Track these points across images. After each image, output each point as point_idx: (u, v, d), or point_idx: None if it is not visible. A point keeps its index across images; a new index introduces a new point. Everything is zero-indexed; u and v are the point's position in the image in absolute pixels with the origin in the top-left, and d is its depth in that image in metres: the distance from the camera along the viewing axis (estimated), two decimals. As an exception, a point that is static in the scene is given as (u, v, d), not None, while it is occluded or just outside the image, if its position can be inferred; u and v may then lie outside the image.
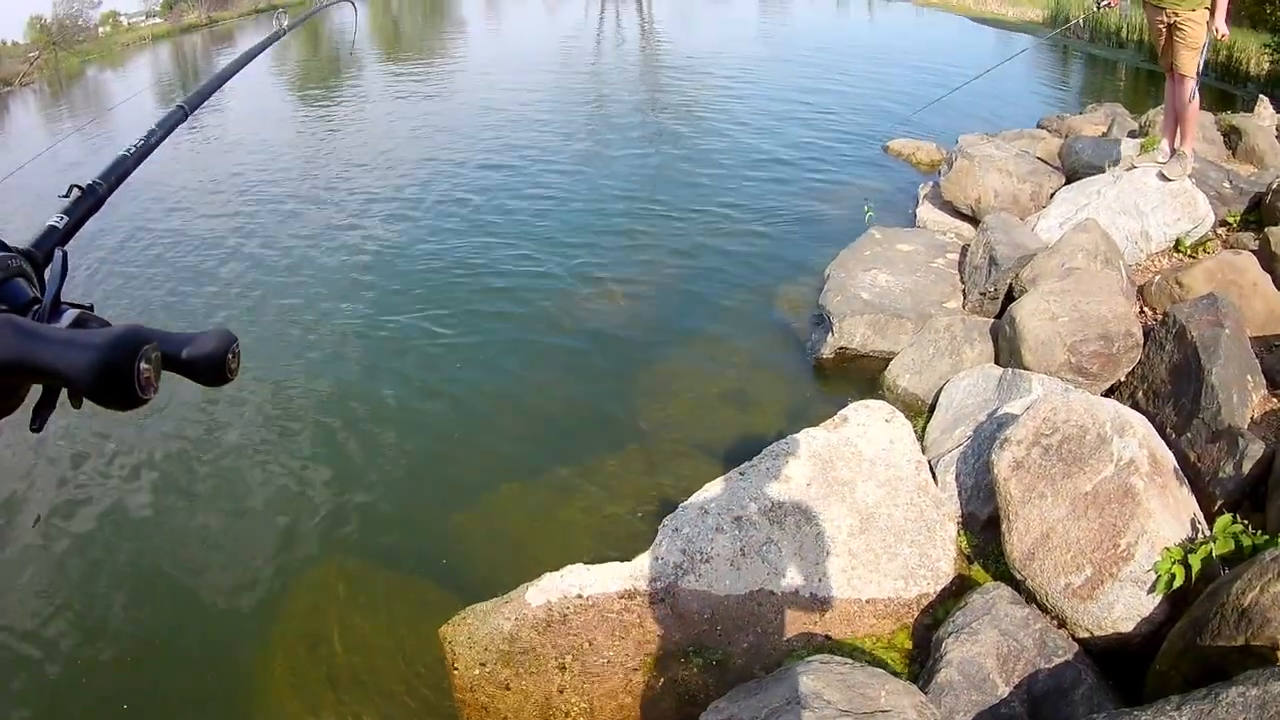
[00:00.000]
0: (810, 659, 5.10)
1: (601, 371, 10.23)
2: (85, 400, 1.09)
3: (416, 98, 27.79)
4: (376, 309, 12.31)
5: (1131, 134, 13.46)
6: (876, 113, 20.27)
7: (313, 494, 8.57)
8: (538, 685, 5.77)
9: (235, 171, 20.62)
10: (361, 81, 34.13)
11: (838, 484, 6.45)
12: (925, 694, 4.83)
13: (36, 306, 1.13)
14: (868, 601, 5.96)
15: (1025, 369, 7.73)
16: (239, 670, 6.69)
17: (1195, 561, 5.07)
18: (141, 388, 1.01)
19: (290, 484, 8.75)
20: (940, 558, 6.18)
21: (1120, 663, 5.23)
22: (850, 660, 5.14)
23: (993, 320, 9.15)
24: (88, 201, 1.38)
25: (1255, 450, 5.95)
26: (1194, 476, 6.13)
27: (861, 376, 9.40)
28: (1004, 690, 4.92)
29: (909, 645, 5.83)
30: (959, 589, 6.02)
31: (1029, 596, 5.58)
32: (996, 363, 8.40)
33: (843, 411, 7.17)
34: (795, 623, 5.89)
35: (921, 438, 7.56)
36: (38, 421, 1.12)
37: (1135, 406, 6.94)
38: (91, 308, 1.20)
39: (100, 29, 68.59)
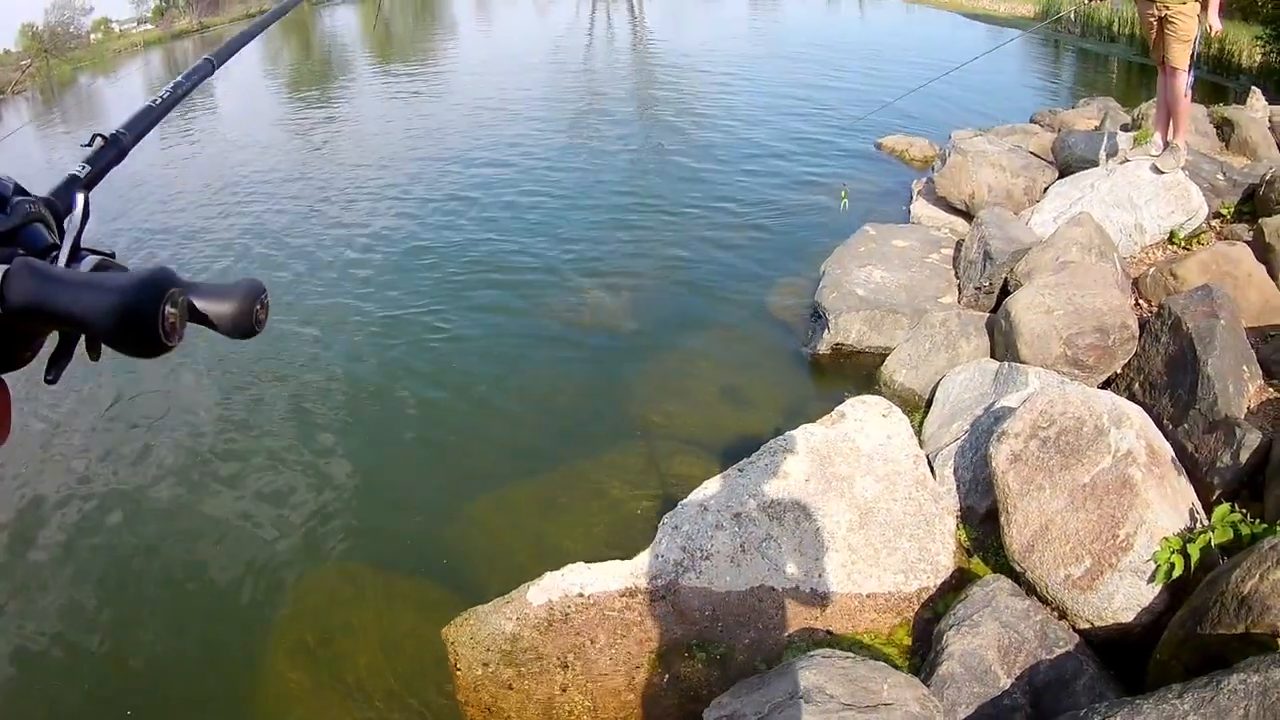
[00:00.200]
0: (812, 653, 5.12)
1: (598, 370, 10.25)
2: (105, 349, 1.07)
3: (410, 99, 27.83)
4: (372, 310, 12.33)
5: (1124, 127, 13.47)
6: (868, 110, 20.28)
7: (312, 496, 8.57)
8: (540, 685, 5.77)
9: (234, 174, 20.68)
10: (355, 83, 34.24)
11: (836, 479, 6.46)
12: (927, 686, 4.84)
13: (55, 252, 1.11)
14: (868, 596, 5.97)
15: (1021, 362, 7.74)
16: (240, 673, 6.69)
17: (1194, 551, 5.08)
18: (166, 334, 0.97)
19: (289, 486, 8.75)
20: (940, 551, 6.19)
21: (1121, 653, 5.24)
22: (852, 654, 5.16)
23: (988, 314, 9.15)
24: (111, 151, 1.36)
25: (1252, 440, 5.96)
26: (1191, 466, 6.14)
27: (858, 372, 9.41)
28: (1006, 682, 4.93)
29: (910, 639, 5.85)
30: (959, 582, 6.03)
31: (1029, 588, 5.60)
32: (993, 357, 8.41)
33: (840, 407, 7.18)
34: (796, 618, 5.90)
35: (919, 432, 7.58)
36: (53, 372, 1.11)
37: (1132, 398, 6.96)
38: (113, 255, 1.18)
39: (92, 36, 68.67)
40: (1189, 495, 5.77)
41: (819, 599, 5.93)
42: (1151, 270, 9.22)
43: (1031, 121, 16.85)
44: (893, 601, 5.99)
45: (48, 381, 1.11)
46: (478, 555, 7.50)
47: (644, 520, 7.31)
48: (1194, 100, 10.79)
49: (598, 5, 51.13)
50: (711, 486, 6.60)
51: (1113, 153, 11.59)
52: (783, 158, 17.63)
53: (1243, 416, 6.37)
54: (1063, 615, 5.44)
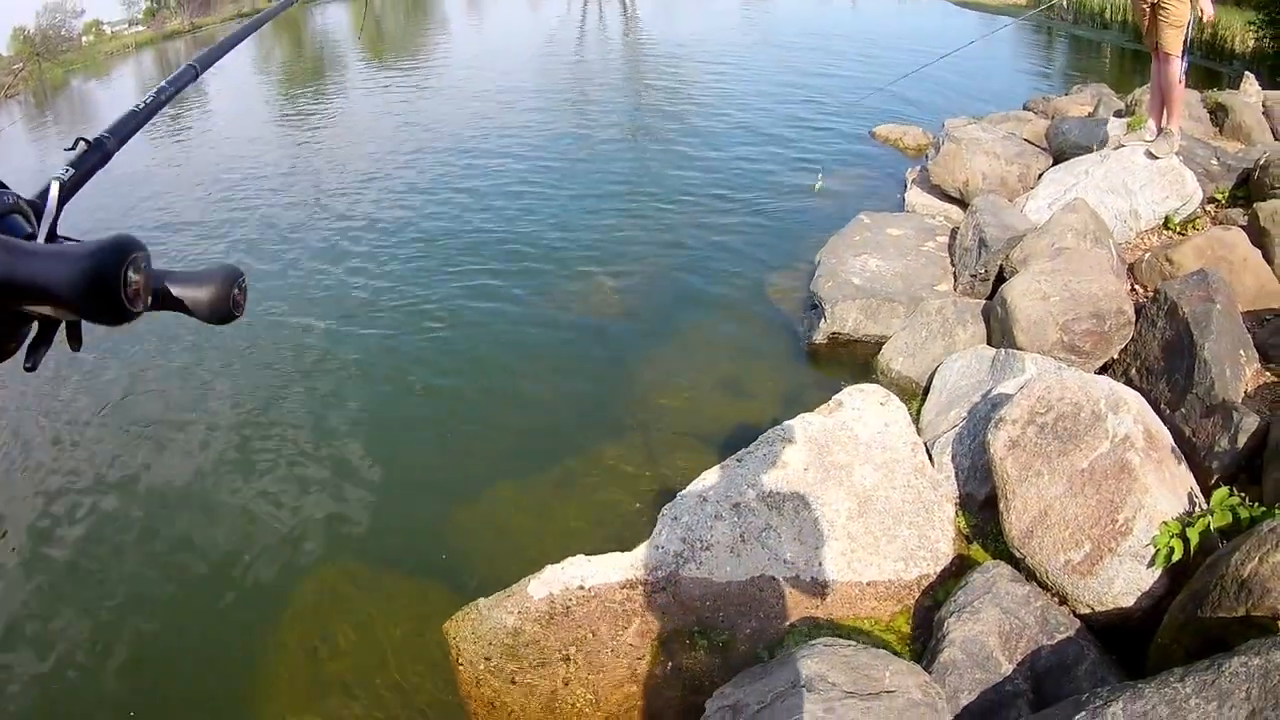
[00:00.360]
0: (813, 642, 5.12)
1: (595, 362, 10.26)
2: (86, 340, 1.11)
3: (404, 94, 27.82)
4: (367, 303, 12.36)
5: (1118, 114, 13.48)
6: (862, 99, 20.27)
7: (310, 493, 8.57)
8: (543, 678, 5.78)
9: (230, 171, 20.67)
10: (348, 79, 34.24)
11: (835, 468, 6.48)
12: (929, 673, 4.85)
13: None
14: (869, 584, 5.98)
15: (1018, 349, 7.75)
16: (241, 669, 6.70)
17: (1193, 535, 5.09)
18: (129, 299, 0.97)
19: (287, 484, 8.75)
20: (939, 538, 6.20)
21: (1122, 637, 5.25)
22: (853, 642, 5.16)
23: (984, 302, 9.16)
24: (95, 155, 1.36)
25: (1250, 423, 5.96)
26: (1189, 451, 6.15)
27: (855, 361, 9.42)
28: (1007, 668, 4.94)
29: (911, 626, 5.85)
30: (959, 569, 6.04)
31: (1029, 574, 5.61)
32: (989, 344, 8.42)
33: (837, 396, 7.20)
34: (797, 607, 5.91)
35: (917, 420, 7.60)
36: (32, 359, 1.11)
37: (1129, 383, 6.97)
38: None
39: (84, 38, 68.56)
40: (1187, 479, 5.78)
41: (819, 588, 5.94)
42: (1147, 256, 9.22)
43: (1025, 109, 16.85)
44: (893, 589, 5.99)
45: (26, 368, 1.12)
46: (477, 550, 7.50)
47: (643, 512, 7.33)
48: (1187, 86, 10.78)
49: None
50: (710, 477, 6.62)
51: (1106, 139, 11.60)
52: (777, 147, 17.63)
53: (1240, 400, 6.38)
54: (1063, 600, 5.45)
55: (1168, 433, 6.02)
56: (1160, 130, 10.35)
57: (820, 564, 6.00)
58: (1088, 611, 5.35)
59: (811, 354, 9.81)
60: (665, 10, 45.80)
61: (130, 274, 0.96)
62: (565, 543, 6.80)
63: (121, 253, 0.96)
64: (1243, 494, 5.34)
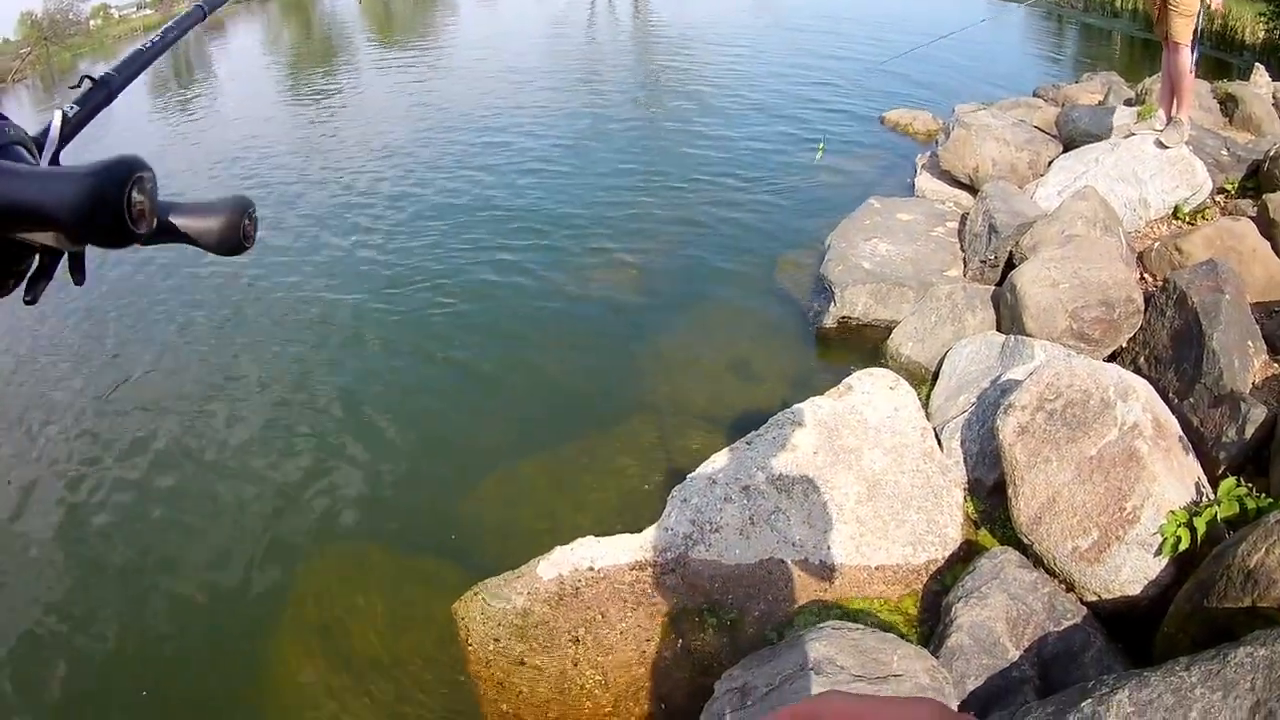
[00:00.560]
0: (822, 625, 5.16)
1: (606, 344, 10.27)
2: (84, 260, 1.09)
3: (413, 77, 27.72)
4: (380, 286, 12.33)
5: (1128, 102, 13.47)
6: (872, 84, 20.24)
7: (320, 474, 8.59)
8: (552, 659, 5.81)
9: (239, 150, 20.65)
10: (356, 63, 34.13)
11: (844, 452, 6.50)
12: (936, 658, 4.88)
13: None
14: (877, 568, 6.01)
15: (1027, 335, 7.76)
16: (251, 653, 6.71)
17: (1200, 524, 5.11)
18: (134, 219, 0.93)
19: (295, 464, 8.77)
20: (948, 524, 6.23)
21: (1128, 625, 5.27)
22: (861, 626, 5.20)
23: (994, 288, 9.16)
24: (100, 93, 1.34)
25: (1257, 415, 5.98)
26: (1197, 441, 6.17)
27: (864, 345, 9.42)
28: (1014, 654, 4.97)
29: (919, 610, 5.87)
30: (967, 554, 6.07)
31: (1037, 560, 5.63)
32: (998, 330, 8.43)
33: (847, 380, 7.22)
34: (806, 590, 5.94)
35: (926, 405, 7.59)
36: (31, 292, 1.08)
37: (1137, 372, 6.98)
38: None
39: (91, 22, 68.49)
40: (1195, 469, 5.80)
41: (828, 571, 5.97)
42: (1156, 245, 9.22)
43: (1035, 96, 16.79)
44: (901, 573, 6.02)
45: (26, 302, 1.09)
46: (487, 531, 7.52)
47: (653, 494, 7.34)
48: (1197, 76, 10.79)
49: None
50: (720, 460, 6.65)
51: (1116, 127, 11.60)
52: (788, 130, 17.59)
53: (1248, 391, 6.40)
54: (1070, 587, 5.48)
55: (1176, 422, 6.04)
56: (1170, 120, 10.34)
57: (829, 547, 6.03)
58: (1094, 599, 5.38)
59: (821, 337, 9.81)
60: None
61: (135, 194, 0.93)
62: (574, 524, 6.84)
63: (126, 170, 0.93)
64: (1250, 485, 5.37)
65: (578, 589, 5.95)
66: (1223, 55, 21.74)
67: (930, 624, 5.66)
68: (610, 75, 24.74)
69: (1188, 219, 9.94)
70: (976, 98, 16.03)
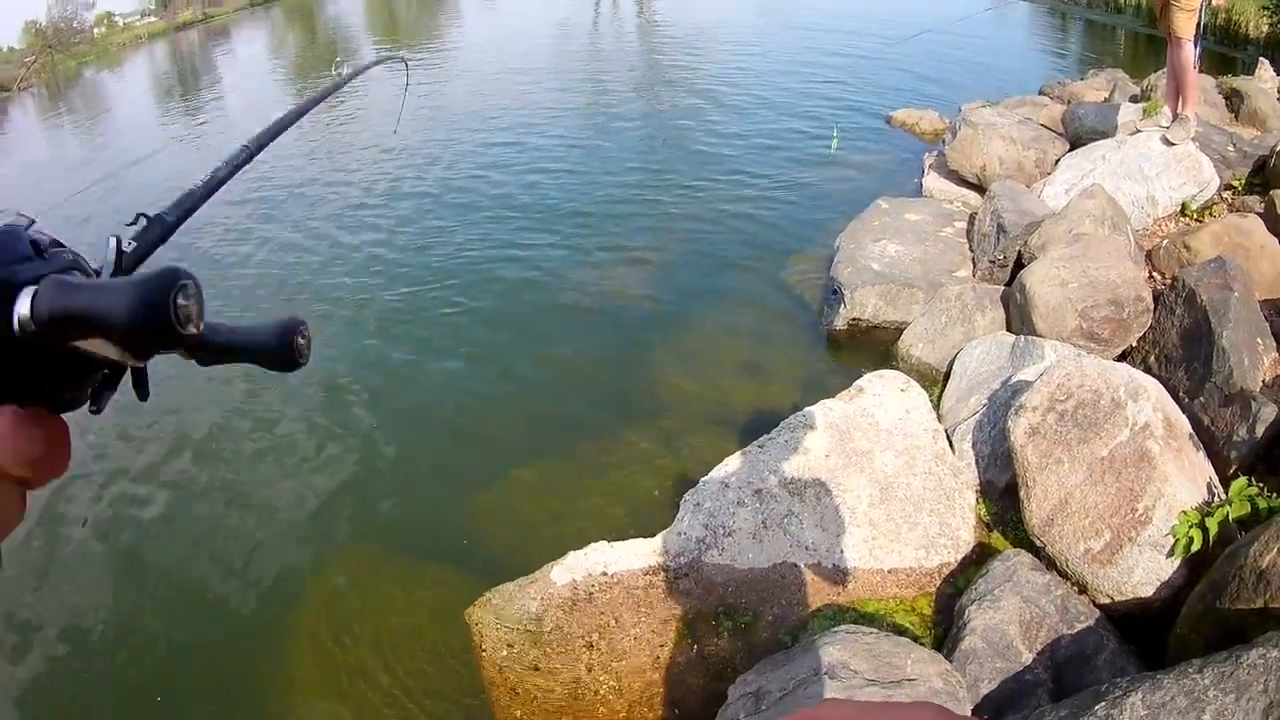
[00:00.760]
0: (835, 629, 5.17)
1: (616, 346, 10.30)
2: (146, 376, 1.15)
3: (420, 80, 27.70)
4: (388, 288, 12.37)
5: (1133, 99, 13.46)
6: (878, 82, 20.25)
7: (330, 479, 8.61)
8: (566, 665, 5.82)
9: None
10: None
11: (856, 455, 6.52)
12: (949, 661, 4.89)
13: None
14: (890, 571, 6.02)
15: (1037, 336, 7.77)
16: (264, 656, 6.75)
17: (1212, 525, 5.11)
18: (180, 321, 1.00)
19: (308, 470, 8.78)
20: (960, 526, 6.24)
21: (1141, 627, 5.27)
22: (875, 629, 5.21)
23: (1003, 288, 9.17)
24: (155, 230, 1.38)
25: (1268, 414, 5.98)
26: (1208, 440, 6.15)
27: (875, 347, 9.41)
28: (1027, 657, 4.98)
29: (932, 613, 5.89)
30: (980, 557, 6.07)
31: (1049, 563, 5.64)
32: (1008, 330, 8.43)
33: (858, 382, 7.24)
34: (819, 594, 5.95)
35: (937, 406, 7.60)
36: (98, 404, 1.13)
37: (1148, 371, 6.97)
38: None
39: (96, 30, 68.51)
40: (1206, 469, 5.80)
41: (841, 574, 5.98)
42: (1164, 242, 9.22)
43: (1040, 93, 16.76)
44: (914, 576, 6.03)
45: (91, 411, 1.14)
46: (499, 536, 7.53)
47: (665, 498, 7.34)
48: (1202, 71, 10.79)
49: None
50: (732, 463, 6.66)
51: (1122, 125, 11.61)
52: (794, 132, 17.54)
53: (1258, 390, 6.39)
54: (1083, 589, 5.48)
55: (1186, 421, 6.04)
56: (1176, 116, 10.35)
57: (842, 551, 6.04)
58: (1107, 601, 5.39)
59: (831, 339, 9.81)
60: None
61: (179, 299, 0.99)
62: (587, 528, 6.86)
63: (172, 277, 1.00)
64: (1261, 484, 5.36)
65: (591, 594, 5.96)
66: (1227, 50, 21.65)
67: (943, 627, 5.66)
68: (617, 75, 24.77)
69: (1195, 216, 9.94)
70: (982, 96, 15.99)
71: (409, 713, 6.08)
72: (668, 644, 5.82)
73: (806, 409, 6.94)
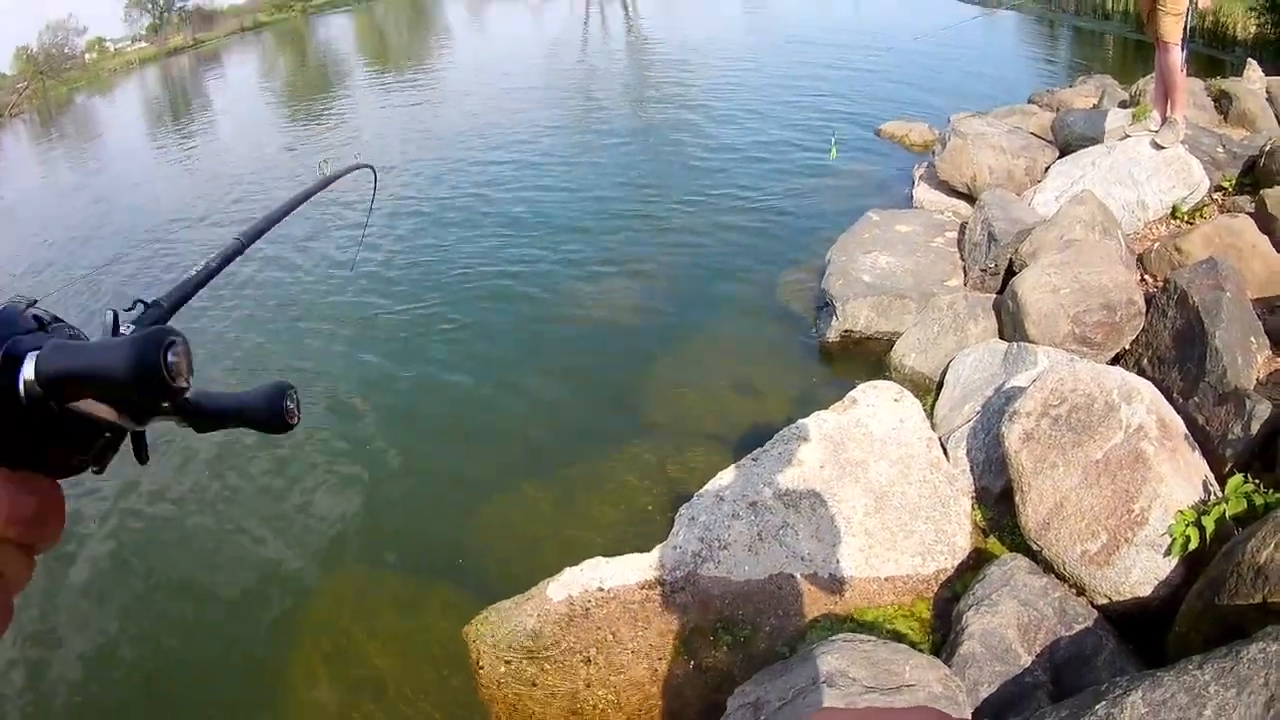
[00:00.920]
0: (833, 638, 5.16)
1: (609, 363, 10.32)
2: (145, 441, 1.21)
3: (412, 102, 27.91)
4: (381, 306, 12.47)
5: (1122, 104, 13.50)
6: (868, 95, 20.31)
7: (327, 497, 8.64)
8: (564, 680, 5.81)
9: (240, 173, 20.98)
10: (353, 88, 34.26)
11: (850, 465, 6.51)
12: (949, 667, 4.88)
13: None
14: (886, 579, 6.01)
15: (1030, 342, 7.76)
16: (262, 676, 6.77)
17: (1209, 523, 5.11)
18: (171, 375, 1.06)
19: (303, 489, 8.81)
20: (956, 532, 6.23)
21: (1140, 627, 5.26)
22: (873, 637, 5.20)
23: (995, 296, 9.16)
24: (153, 314, 1.43)
25: (1263, 411, 5.97)
26: (1203, 439, 6.15)
27: (867, 358, 9.42)
28: (1026, 660, 4.96)
29: (930, 620, 5.87)
30: (976, 562, 6.06)
31: (1046, 566, 5.63)
32: (1001, 337, 8.44)
33: (851, 393, 7.24)
34: (816, 604, 5.94)
35: (931, 415, 7.60)
36: (100, 464, 1.18)
37: (1141, 373, 6.97)
38: None
39: (87, 55, 68.78)
40: (1202, 468, 5.79)
41: (838, 584, 5.97)
42: (1156, 245, 9.22)
43: (1029, 102, 16.76)
44: (911, 584, 6.02)
45: (94, 472, 1.18)
46: (495, 553, 7.53)
47: (661, 513, 7.35)
48: (1190, 74, 10.80)
49: (591, 2, 50.97)
50: (726, 477, 6.66)
51: (1111, 130, 11.62)
52: (783, 146, 17.62)
53: (1252, 387, 6.39)
54: (1081, 591, 5.47)
55: (1181, 421, 6.03)
56: (1165, 120, 10.36)
57: (838, 560, 6.03)
58: (1105, 602, 5.37)
59: (824, 351, 9.81)
60: (666, 13, 45.73)
61: (169, 355, 1.06)
62: (583, 544, 6.86)
63: (162, 335, 1.07)
64: (1257, 481, 5.35)
65: (588, 609, 5.95)
66: (1215, 52, 21.69)
67: (942, 632, 5.65)
68: (608, 97, 24.90)
69: (1186, 218, 9.94)
70: (971, 106, 15.98)
71: (409, 730, 6.08)
72: (665, 657, 5.81)
73: (800, 421, 6.94)
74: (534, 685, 5.82)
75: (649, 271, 12.44)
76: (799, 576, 6.01)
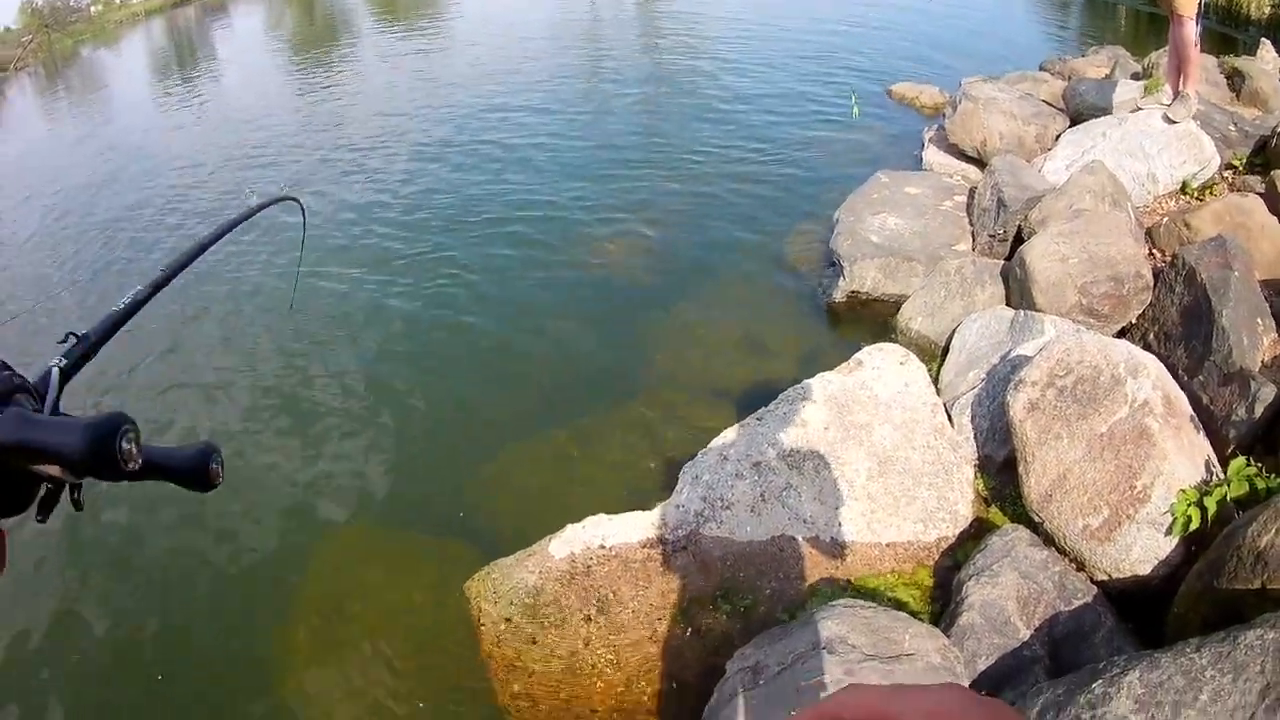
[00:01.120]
0: (834, 604, 5.18)
1: (615, 321, 10.27)
2: (81, 492, 1.31)
3: (420, 57, 27.66)
4: (390, 264, 12.39)
5: (1135, 76, 13.42)
6: (879, 57, 20.20)
7: (328, 452, 8.64)
8: (564, 638, 5.83)
9: (249, 131, 20.87)
10: (360, 44, 34.02)
11: (854, 428, 6.52)
12: (948, 637, 4.90)
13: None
14: (888, 545, 6.03)
15: (1037, 310, 7.75)
16: (263, 630, 6.79)
17: (1210, 504, 5.12)
18: (123, 459, 1.17)
19: (307, 443, 8.81)
20: (958, 500, 6.25)
21: (1139, 605, 5.28)
22: (873, 604, 5.22)
23: (1003, 262, 9.13)
24: (82, 347, 1.57)
25: (1267, 393, 5.96)
26: (1206, 419, 6.14)
27: (874, 320, 9.40)
28: (1025, 633, 4.99)
29: (930, 587, 5.88)
30: (978, 531, 6.08)
31: (1047, 538, 5.65)
32: (1008, 304, 8.41)
33: (857, 355, 7.24)
34: (817, 567, 5.95)
35: (936, 380, 7.60)
36: (43, 514, 1.29)
37: (1147, 348, 6.94)
38: None
39: (92, 8, 68.32)
40: (1205, 447, 5.79)
41: (839, 548, 5.99)
42: (1165, 220, 9.21)
43: (1041, 69, 16.65)
44: (912, 550, 6.04)
45: (38, 520, 1.29)
46: (496, 508, 7.53)
47: (663, 471, 7.36)
48: (1203, 51, 10.76)
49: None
50: (730, 436, 6.68)
51: (1123, 102, 11.59)
52: (796, 97, 17.59)
53: (1257, 369, 6.37)
54: (1081, 566, 5.49)
55: (1186, 399, 6.03)
56: (1177, 94, 10.32)
57: (840, 524, 6.05)
58: (1105, 578, 5.40)
59: (830, 312, 9.79)
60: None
61: (123, 443, 1.17)
62: (585, 502, 6.83)
63: (117, 423, 1.18)
64: (1259, 464, 5.36)
65: (589, 567, 5.97)
66: (1229, 30, 21.56)
67: (941, 601, 5.67)
68: (617, 54, 24.59)
69: (1196, 194, 9.92)
70: (983, 71, 15.86)
71: (408, 685, 6.09)
72: (666, 617, 5.83)
73: (805, 382, 6.96)
74: (533, 643, 5.84)
75: (655, 230, 12.38)
76: (801, 539, 6.03)
